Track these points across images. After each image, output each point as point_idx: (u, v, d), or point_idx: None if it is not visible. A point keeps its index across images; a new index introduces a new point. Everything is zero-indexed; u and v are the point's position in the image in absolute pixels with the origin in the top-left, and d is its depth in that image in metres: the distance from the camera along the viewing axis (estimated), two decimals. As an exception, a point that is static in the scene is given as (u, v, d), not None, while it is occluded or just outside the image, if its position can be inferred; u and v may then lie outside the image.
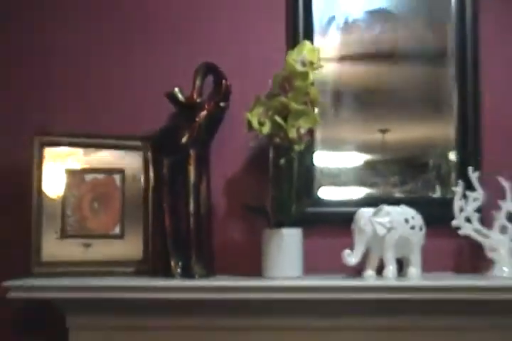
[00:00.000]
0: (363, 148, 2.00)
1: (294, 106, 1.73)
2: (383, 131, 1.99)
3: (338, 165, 2.00)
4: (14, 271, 1.75)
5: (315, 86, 1.78)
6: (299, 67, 1.76)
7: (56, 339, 1.85)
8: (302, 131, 1.73)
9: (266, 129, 1.71)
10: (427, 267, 1.86)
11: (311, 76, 1.77)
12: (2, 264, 1.89)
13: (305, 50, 1.79)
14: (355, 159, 2.00)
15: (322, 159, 1.97)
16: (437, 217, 1.87)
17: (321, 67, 1.80)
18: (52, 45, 2.03)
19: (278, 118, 1.71)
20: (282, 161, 1.73)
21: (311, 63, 1.77)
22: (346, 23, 2.03)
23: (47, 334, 1.92)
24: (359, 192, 1.97)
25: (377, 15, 2.02)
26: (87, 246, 1.86)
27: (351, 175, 1.99)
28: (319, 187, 1.96)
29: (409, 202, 1.86)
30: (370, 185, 1.98)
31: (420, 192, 1.98)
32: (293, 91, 1.74)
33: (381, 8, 2.03)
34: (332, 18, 2.03)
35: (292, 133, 1.71)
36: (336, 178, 1.97)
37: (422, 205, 1.87)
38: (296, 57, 1.78)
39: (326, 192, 1.96)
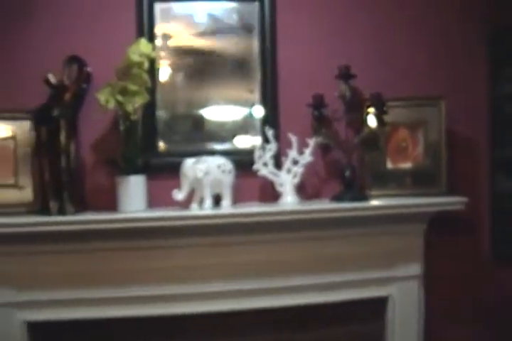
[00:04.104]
0: (193, 106, 2.67)
1: (131, 87, 2.39)
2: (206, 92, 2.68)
3: (176, 125, 2.67)
4: None
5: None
6: (136, 58, 2.41)
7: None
8: (136, 105, 2.39)
9: (110, 105, 2.38)
10: (242, 199, 2.58)
11: (146, 64, 2.43)
12: None
13: (141, 45, 2.44)
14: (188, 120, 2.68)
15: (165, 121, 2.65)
16: (245, 163, 2.57)
17: (154, 57, 2.47)
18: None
19: (119, 97, 2.38)
20: (122, 127, 2.41)
21: (146, 55, 2.43)
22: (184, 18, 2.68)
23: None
24: (189, 147, 2.65)
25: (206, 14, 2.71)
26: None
27: (185, 133, 2.67)
28: (161, 143, 2.65)
29: (227, 153, 2.57)
30: (201, 141, 2.66)
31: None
32: (131, 76, 2.40)
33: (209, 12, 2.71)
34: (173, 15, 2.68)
35: (129, 108, 2.38)
36: (175, 137, 2.66)
37: (235, 154, 2.59)
38: (135, 51, 2.42)
39: (165, 147, 2.65)
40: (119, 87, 2.39)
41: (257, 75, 2.69)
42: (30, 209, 2.51)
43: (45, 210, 2.45)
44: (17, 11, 2.63)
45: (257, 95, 2.69)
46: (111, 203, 2.50)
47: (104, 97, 2.38)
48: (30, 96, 2.55)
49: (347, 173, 2.58)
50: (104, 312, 2.48)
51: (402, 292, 2.59)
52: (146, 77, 2.42)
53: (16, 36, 2.61)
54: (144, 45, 2.44)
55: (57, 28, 2.63)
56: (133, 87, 2.39)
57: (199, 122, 2.69)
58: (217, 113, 2.69)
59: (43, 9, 2.64)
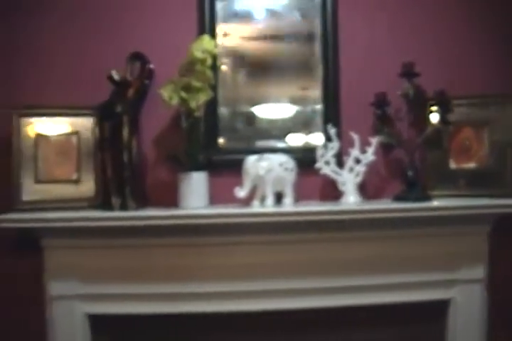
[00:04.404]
0: (254, 104, 2.66)
1: (195, 84, 2.39)
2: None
3: (237, 122, 2.67)
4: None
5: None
6: (199, 55, 2.41)
7: (33, 256, 2.52)
8: (200, 102, 2.39)
9: (174, 101, 2.38)
10: (303, 197, 2.56)
11: (209, 61, 2.42)
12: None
13: (204, 41, 2.44)
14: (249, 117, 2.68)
15: (225, 118, 2.65)
16: (306, 161, 2.55)
17: (216, 53, 2.46)
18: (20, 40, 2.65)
19: (183, 94, 2.38)
20: (185, 124, 2.41)
21: (209, 51, 2.43)
22: (244, 15, 2.68)
23: (27, 253, 2.57)
24: (251, 144, 2.65)
25: (266, 11, 2.69)
26: (54, 188, 2.53)
27: (246, 131, 2.67)
28: (222, 139, 2.65)
29: (288, 151, 2.56)
30: (261, 138, 2.66)
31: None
32: (194, 73, 2.40)
33: (269, 8, 2.69)
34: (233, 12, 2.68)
35: (193, 104, 2.38)
36: (235, 134, 2.66)
37: (296, 152, 2.58)
38: (198, 48, 2.42)
39: (226, 144, 2.65)
40: (182, 84, 2.39)
41: (319, 73, 2.67)
42: (91, 204, 2.53)
43: (106, 205, 2.47)
44: (81, 10, 2.66)
45: (318, 93, 2.67)
46: (172, 199, 2.51)
47: (167, 94, 2.39)
48: (94, 92, 2.57)
49: (410, 173, 2.53)
50: (163, 308, 2.49)
51: (464, 295, 2.54)
52: (209, 73, 2.42)
53: (81, 34, 2.64)
54: (206, 41, 2.44)
55: (121, 26, 2.66)
56: (197, 84, 2.39)
57: (260, 119, 2.68)
58: (277, 110, 2.67)
59: (108, 7, 2.66)
